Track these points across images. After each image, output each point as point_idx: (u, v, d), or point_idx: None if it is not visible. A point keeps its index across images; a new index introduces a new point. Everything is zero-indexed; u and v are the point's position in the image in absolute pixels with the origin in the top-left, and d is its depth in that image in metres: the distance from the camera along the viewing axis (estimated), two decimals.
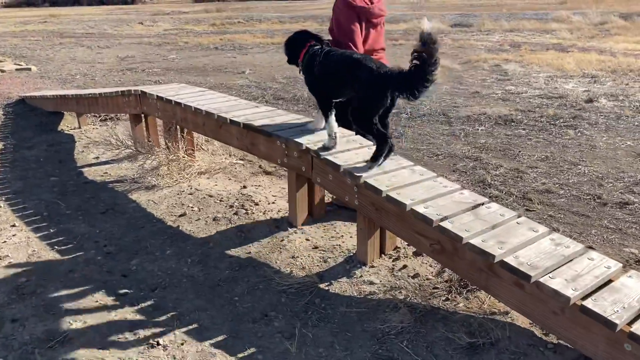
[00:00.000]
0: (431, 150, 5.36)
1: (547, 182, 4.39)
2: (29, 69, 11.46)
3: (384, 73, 2.76)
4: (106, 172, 5.06)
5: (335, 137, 3.16)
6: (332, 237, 3.53)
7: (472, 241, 2.40)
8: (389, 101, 2.78)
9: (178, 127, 4.71)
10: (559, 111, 6.77)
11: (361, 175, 2.92)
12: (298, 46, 3.23)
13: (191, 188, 4.50)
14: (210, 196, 4.32)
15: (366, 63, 2.85)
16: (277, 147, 3.55)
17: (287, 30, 20.36)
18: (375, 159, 2.96)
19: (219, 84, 9.42)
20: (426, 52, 2.51)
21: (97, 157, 5.55)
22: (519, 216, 2.65)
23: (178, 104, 4.39)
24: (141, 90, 4.91)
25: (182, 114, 4.46)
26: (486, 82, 9.19)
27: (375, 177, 2.93)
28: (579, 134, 5.82)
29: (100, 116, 7.19)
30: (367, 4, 3.41)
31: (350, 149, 3.28)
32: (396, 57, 13.26)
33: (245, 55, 14.01)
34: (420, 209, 2.63)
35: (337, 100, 3.14)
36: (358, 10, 3.37)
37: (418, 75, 2.56)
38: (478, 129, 6.15)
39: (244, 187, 4.50)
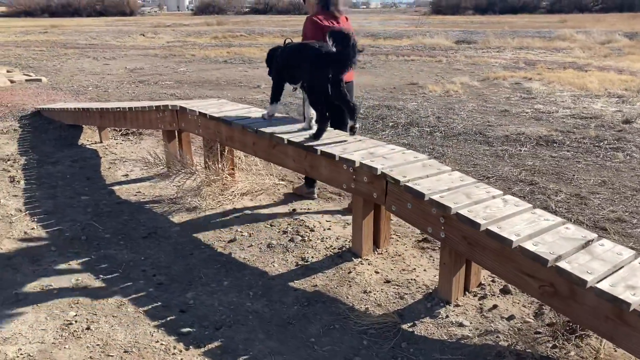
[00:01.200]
0: (480, 173, 5.12)
1: (616, 210, 4.16)
2: (40, 80, 11.20)
3: (325, 52, 3.29)
4: (139, 192, 4.78)
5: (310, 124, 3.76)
6: (403, 269, 3.26)
7: (599, 286, 2.14)
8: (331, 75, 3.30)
9: (217, 145, 4.45)
10: (599, 132, 6.57)
11: (451, 207, 2.67)
12: (270, 57, 3.85)
13: (236, 210, 4.24)
14: (259, 220, 4.05)
15: (312, 45, 3.42)
16: (343, 171, 3.29)
17: None
18: (317, 136, 3.50)
19: (237, 98, 9.18)
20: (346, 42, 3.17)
21: (127, 175, 5.27)
22: (637, 256, 2.40)
23: (224, 121, 4.14)
24: (180, 106, 4.65)
25: (227, 132, 4.20)
26: (511, 100, 9.01)
27: (469, 208, 2.68)
28: (628, 157, 5.61)
29: (121, 130, 6.93)
30: (332, 24, 3.84)
31: (430, 174, 3.03)
32: (411, 72, 13.13)
33: (257, 70, 13.81)
34: (529, 246, 2.38)
35: (295, 85, 3.69)
36: (324, 29, 3.62)
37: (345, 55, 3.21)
38: (521, 150, 5.93)
39: (293, 210, 4.23)
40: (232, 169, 4.62)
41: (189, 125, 4.67)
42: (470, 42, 22.67)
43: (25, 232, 3.91)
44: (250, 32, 30.19)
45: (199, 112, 4.42)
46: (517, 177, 5.00)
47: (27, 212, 4.30)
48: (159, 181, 4.95)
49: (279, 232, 3.83)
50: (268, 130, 3.77)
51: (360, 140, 3.59)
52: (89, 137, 6.79)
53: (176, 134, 5.05)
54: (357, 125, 3.55)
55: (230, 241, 3.74)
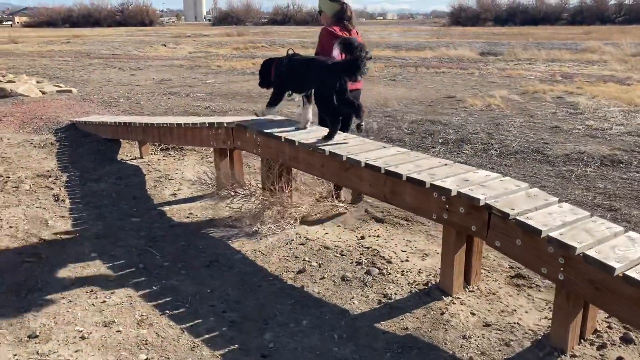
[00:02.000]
0: None
1: None
2: (70, 91, 11.08)
3: (332, 64, 3.60)
4: (191, 213, 4.52)
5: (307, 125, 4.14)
6: (502, 311, 2.94)
7: None
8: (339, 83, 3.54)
9: (277, 165, 4.18)
10: None
11: (576, 246, 2.35)
12: (266, 68, 4.13)
13: (300, 236, 3.95)
14: (327, 248, 3.76)
15: (319, 59, 3.78)
16: (433, 199, 2.99)
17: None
18: (328, 137, 3.74)
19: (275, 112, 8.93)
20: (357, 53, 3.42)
21: (174, 194, 5.02)
22: None
23: (289, 141, 3.86)
24: (237, 123, 4.40)
25: (291, 152, 3.93)
26: (558, 116, 8.66)
27: (596, 249, 2.36)
28: None
29: (160, 145, 6.70)
30: (346, 35, 4.08)
31: (538, 207, 2.71)
32: (445, 85, 12.81)
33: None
34: None
35: (302, 93, 4.00)
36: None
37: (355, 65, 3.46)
38: (586, 171, 5.58)
39: (362, 237, 3.94)
40: (290, 191, 4.34)
41: (246, 144, 4.41)
42: (495, 54, 22.41)
43: (77, 258, 3.66)
44: (271, 43, 30.13)
45: (259, 131, 4.15)
46: (592, 202, 4.66)
47: (77, 235, 4.06)
48: (213, 202, 4.68)
49: (351, 262, 3.53)
50: (342, 152, 3.49)
51: (446, 165, 3.29)
52: (127, 152, 6.58)
53: (228, 153, 4.79)
54: (364, 123, 3.77)
55: (300, 272, 3.45)
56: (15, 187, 5.14)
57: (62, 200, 4.82)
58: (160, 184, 5.31)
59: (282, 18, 66.73)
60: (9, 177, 5.42)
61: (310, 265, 3.52)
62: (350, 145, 3.71)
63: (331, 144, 3.72)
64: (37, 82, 11.95)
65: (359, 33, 4.36)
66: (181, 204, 4.77)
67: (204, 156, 6.28)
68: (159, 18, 71.95)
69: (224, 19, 66.73)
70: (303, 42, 29.20)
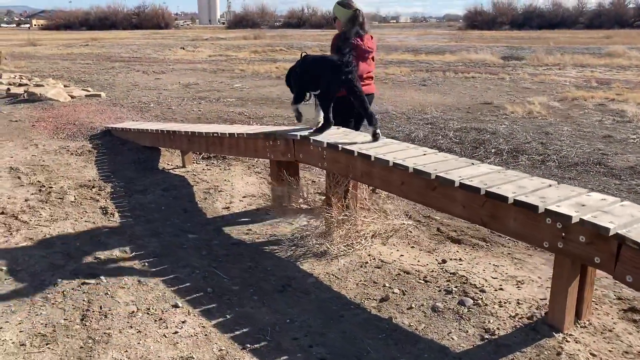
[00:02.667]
0: None
1: None
2: (99, 96, 10.91)
3: (338, 62, 3.75)
4: (250, 229, 4.26)
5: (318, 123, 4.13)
6: (625, 352, 2.63)
7: None
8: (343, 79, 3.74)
9: (345, 181, 3.90)
10: None
11: None
12: (288, 74, 4.26)
13: (373, 259, 3.67)
14: (407, 273, 3.47)
15: (328, 57, 3.95)
16: (544, 226, 2.69)
17: None
18: (320, 130, 4.00)
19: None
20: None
21: (227, 208, 4.76)
22: None
23: (364, 155, 3.58)
24: (301, 135, 4.12)
25: (364, 167, 3.64)
26: (606, 124, 8.31)
27: None
28: None
29: (201, 154, 6.45)
30: (358, 42, 4.14)
31: None
32: (478, 90, 12.45)
33: None
34: None
35: (314, 92, 4.02)
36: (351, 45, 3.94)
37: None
38: None
39: (443, 261, 3.64)
40: (358, 207, 4.05)
41: (309, 157, 4.13)
42: (518, 58, 22.07)
43: (139, 281, 3.40)
44: (289, 47, 29.95)
45: (327, 144, 3.88)
46: None
47: (134, 254, 3.81)
48: (272, 217, 4.42)
49: (439, 290, 3.24)
50: (429, 169, 3.20)
51: (551, 186, 2.98)
52: (167, 161, 6.35)
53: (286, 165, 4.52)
54: (379, 131, 3.86)
55: (383, 300, 3.16)
56: (60, 198, 4.91)
57: (111, 214, 4.58)
58: (210, 196, 5.05)
59: (297, 21, 66.63)
60: (51, 187, 5.20)
61: (393, 293, 3.24)
62: (432, 161, 3.42)
63: (411, 157, 3.44)
64: (65, 86, 11.79)
65: (373, 38, 4.41)
66: (236, 218, 4.51)
67: (250, 166, 6.02)
68: (174, 21, 72.23)
69: (239, 22, 66.76)
70: (321, 45, 28.98)
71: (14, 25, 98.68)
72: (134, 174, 5.82)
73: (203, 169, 5.98)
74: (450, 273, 3.43)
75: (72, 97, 10.54)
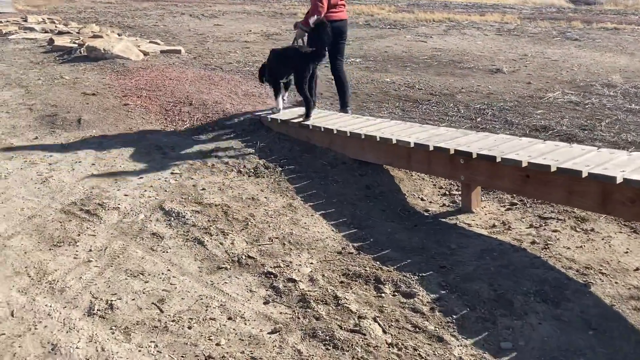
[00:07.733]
0: None
1: None
2: (179, 52, 8.02)
3: (304, 52, 4.40)
4: None
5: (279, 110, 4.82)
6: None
7: None
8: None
9: None
10: None
11: None
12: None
13: None
14: None
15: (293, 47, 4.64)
16: None
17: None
18: (307, 117, 4.43)
19: (526, 99, 5.99)
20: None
21: None
22: None
23: None
24: None
25: None
26: None
27: None
28: None
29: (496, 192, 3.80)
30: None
31: None
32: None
33: (431, 38, 10.53)
34: None
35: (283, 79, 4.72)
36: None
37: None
38: None
39: None
40: None
41: None
42: (589, 3, 20.36)
43: None
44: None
45: None
46: None
47: None
48: None
49: None
50: None
51: None
52: (413, 192, 3.72)
53: None
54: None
55: None
56: (301, 297, 2.33)
57: None
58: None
59: None
60: (279, 268, 2.62)
61: None
62: None
63: None
64: (118, 35, 8.85)
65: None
66: None
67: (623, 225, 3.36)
68: None
69: None
70: None
71: None
72: (389, 225, 3.22)
73: (513, 223, 3.32)
74: None
75: (145, 53, 7.67)
